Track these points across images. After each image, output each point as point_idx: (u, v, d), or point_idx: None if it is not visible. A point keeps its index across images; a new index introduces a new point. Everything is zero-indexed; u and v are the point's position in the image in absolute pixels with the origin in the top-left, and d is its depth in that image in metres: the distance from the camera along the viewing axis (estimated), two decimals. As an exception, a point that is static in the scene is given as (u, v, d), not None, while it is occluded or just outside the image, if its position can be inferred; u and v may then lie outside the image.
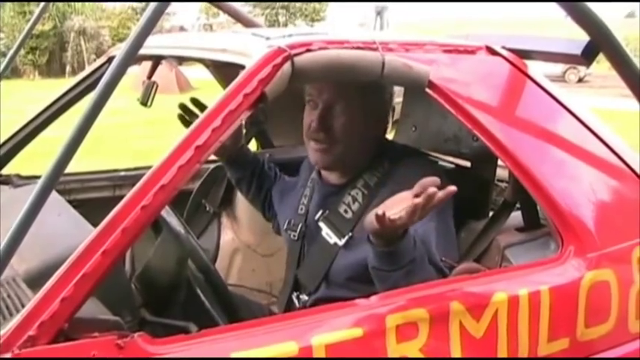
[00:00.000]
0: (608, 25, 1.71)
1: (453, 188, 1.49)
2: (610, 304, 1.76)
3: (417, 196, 1.51)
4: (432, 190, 1.47)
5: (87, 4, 24.85)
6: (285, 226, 2.16)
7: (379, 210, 1.53)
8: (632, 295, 1.79)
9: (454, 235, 1.92)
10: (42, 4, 2.51)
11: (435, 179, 1.52)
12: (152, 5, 1.32)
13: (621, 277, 1.77)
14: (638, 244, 1.81)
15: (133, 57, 1.32)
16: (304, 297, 2.02)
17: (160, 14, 1.33)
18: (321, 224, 1.98)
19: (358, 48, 1.63)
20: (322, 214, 2.00)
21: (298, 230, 2.08)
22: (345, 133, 1.91)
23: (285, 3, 33.54)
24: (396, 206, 1.53)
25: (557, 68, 18.08)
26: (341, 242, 1.92)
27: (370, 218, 1.57)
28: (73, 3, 24.17)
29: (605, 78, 17.59)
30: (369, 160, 1.97)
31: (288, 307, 2.07)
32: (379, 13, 26.25)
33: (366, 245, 1.68)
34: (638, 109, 1.77)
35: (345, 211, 1.94)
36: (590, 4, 1.68)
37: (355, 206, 1.93)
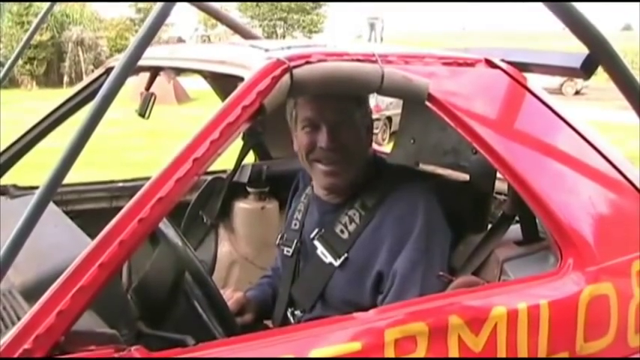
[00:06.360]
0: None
1: None
2: (609, 318, 1.75)
3: None
4: None
5: (85, 15, 24.90)
6: (277, 241, 2.14)
7: None
8: (631, 308, 1.78)
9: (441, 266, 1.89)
10: (40, 13, 2.51)
11: None
12: (151, 16, 1.32)
13: (620, 290, 1.76)
14: (637, 258, 1.81)
15: (131, 68, 1.32)
16: (299, 313, 2.01)
17: (159, 25, 1.32)
18: (317, 243, 1.97)
19: (357, 60, 1.62)
20: (318, 232, 1.98)
21: (293, 246, 2.07)
22: (355, 148, 1.91)
23: (284, 15, 33.62)
24: None
25: (555, 81, 18.12)
26: (336, 263, 1.90)
27: None
28: (71, 14, 24.20)
29: (602, 90, 17.64)
30: (366, 179, 1.96)
31: (283, 322, 2.05)
32: (372, 26, 26.25)
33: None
34: (635, 122, 1.76)
35: (342, 231, 1.92)
36: (588, 16, 1.68)
37: (352, 227, 1.91)
